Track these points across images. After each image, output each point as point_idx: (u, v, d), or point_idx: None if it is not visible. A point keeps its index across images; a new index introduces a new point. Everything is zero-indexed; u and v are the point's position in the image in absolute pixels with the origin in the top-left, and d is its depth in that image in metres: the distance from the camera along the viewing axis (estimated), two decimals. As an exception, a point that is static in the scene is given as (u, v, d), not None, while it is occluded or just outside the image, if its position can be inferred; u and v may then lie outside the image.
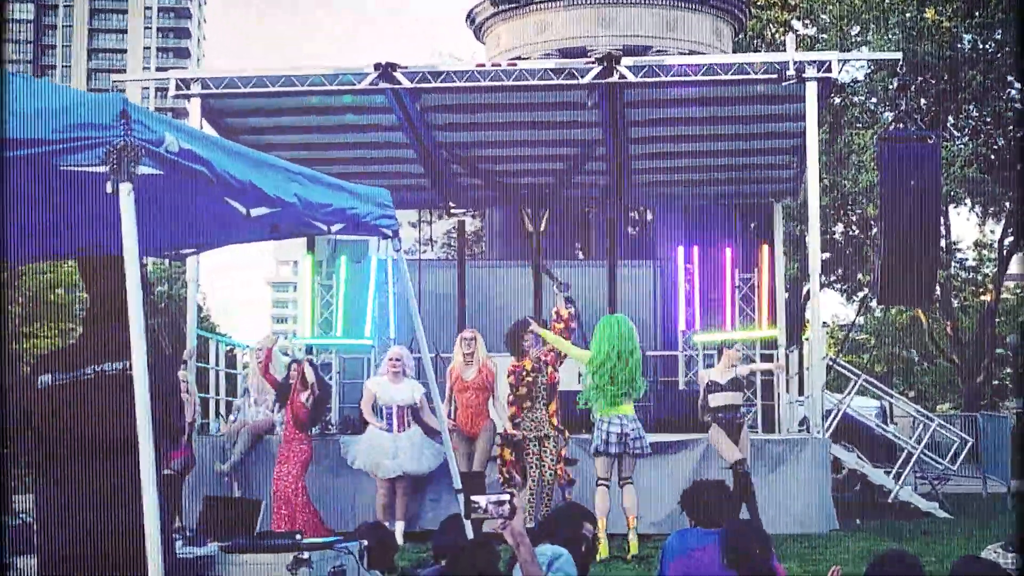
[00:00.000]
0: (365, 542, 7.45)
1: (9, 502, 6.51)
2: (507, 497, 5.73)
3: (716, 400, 14.20)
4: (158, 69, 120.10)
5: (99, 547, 5.89)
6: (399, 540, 13.46)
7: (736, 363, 14.36)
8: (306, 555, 6.56)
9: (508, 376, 13.64)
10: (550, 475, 13.38)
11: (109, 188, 5.48)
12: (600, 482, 13.09)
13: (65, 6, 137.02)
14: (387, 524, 13.91)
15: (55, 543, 6.08)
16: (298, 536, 7.46)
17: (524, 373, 13.47)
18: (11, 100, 5.60)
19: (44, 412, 6.24)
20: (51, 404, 6.20)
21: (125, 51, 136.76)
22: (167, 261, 45.72)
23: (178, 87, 18.26)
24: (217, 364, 19.48)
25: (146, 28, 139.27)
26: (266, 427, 15.89)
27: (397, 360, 14.37)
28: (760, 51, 37.35)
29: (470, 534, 8.00)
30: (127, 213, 5.50)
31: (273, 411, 15.70)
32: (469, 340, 14.20)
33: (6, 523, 6.92)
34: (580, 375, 15.34)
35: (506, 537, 5.81)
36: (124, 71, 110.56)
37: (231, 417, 17.03)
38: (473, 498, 5.76)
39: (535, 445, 13.35)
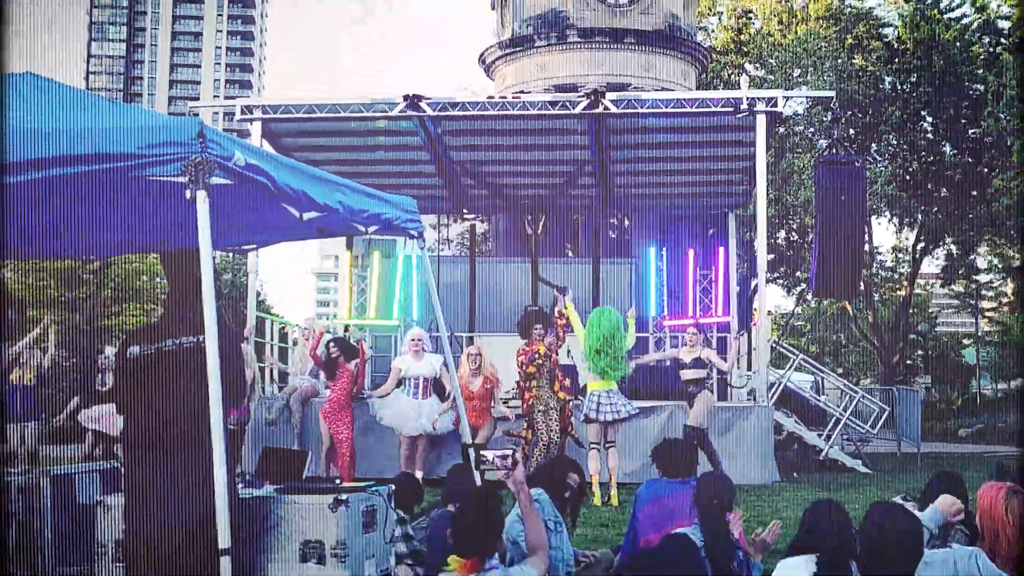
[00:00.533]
0: (393, 486, 7.44)
1: (108, 449, 6.56)
2: (510, 451, 5.72)
3: (685, 375, 14.19)
4: (226, 97, 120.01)
5: (177, 489, 5.89)
6: None
7: (696, 343, 14.25)
8: (344, 496, 6.54)
9: (519, 356, 13.48)
10: (557, 438, 13.30)
11: (188, 195, 5.48)
12: (592, 446, 13.17)
13: (152, 45, 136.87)
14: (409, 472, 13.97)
15: (139, 485, 6.09)
16: (337, 480, 7.46)
17: (537, 355, 13.32)
18: (106, 120, 5.59)
19: (133, 376, 6.27)
20: (139, 371, 6.23)
21: (199, 82, 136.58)
22: (231, 254, 45.76)
23: (243, 112, 18.26)
24: (272, 339, 19.47)
25: (216, 64, 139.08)
26: (312, 392, 15.95)
27: (418, 340, 14.33)
28: (719, 89, 37.30)
29: (477, 481, 7.96)
30: (203, 215, 5.50)
31: (317, 378, 15.78)
32: (475, 356, 14.10)
33: (100, 468, 6.91)
34: (568, 353, 15.38)
35: (509, 485, 5.80)
36: (198, 98, 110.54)
37: (284, 385, 17.10)
38: (482, 452, 5.76)
39: (542, 415, 13.28)
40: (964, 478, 6.63)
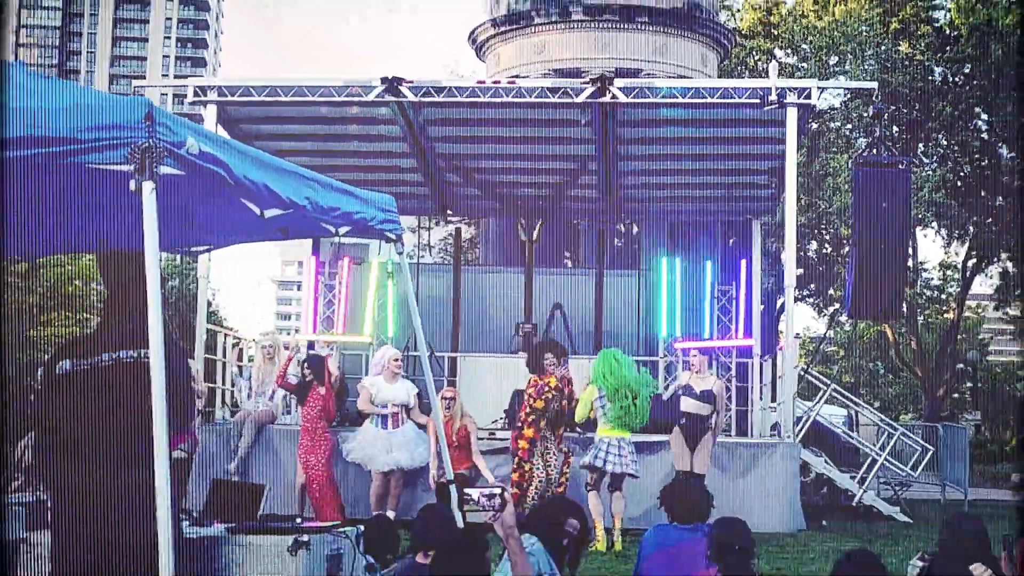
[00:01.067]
0: (363, 527, 7.43)
1: (27, 481, 6.49)
2: (498, 490, 5.70)
3: (685, 404, 14.23)
4: (176, 76, 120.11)
5: (112, 526, 5.87)
6: None
7: (703, 370, 14.36)
8: (305, 538, 6.54)
9: (528, 389, 13.55)
10: (556, 476, 13.39)
11: (133, 186, 5.47)
12: (589, 488, 13.27)
13: (91, 15, 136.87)
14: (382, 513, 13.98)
15: (69, 520, 6.05)
16: (298, 520, 7.45)
17: (547, 388, 13.37)
18: (38, 99, 5.58)
19: (63, 396, 6.22)
20: (70, 388, 6.19)
21: (145, 59, 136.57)
22: (178, 257, 45.67)
23: (196, 93, 18.23)
24: (224, 356, 19.44)
25: (165, 38, 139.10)
26: (268, 418, 15.94)
27: (398, 361, 14.36)
28: (744, 77, 37.40)
29: (459, 523, 7.93)
30: (149, 210, 5.48)
31: (272, 401, 15.74)
32: (448, 400, 14.16)
33: (24, 500, 6.89)
34: None
35: (496, 528, 5.78)
36: (144, 77, 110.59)
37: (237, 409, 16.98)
38: (466, 490, 5.74)
39: (540, 455, 13.36)
40: (1016, 530, 6.62)
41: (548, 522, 6.78)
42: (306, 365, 13.98)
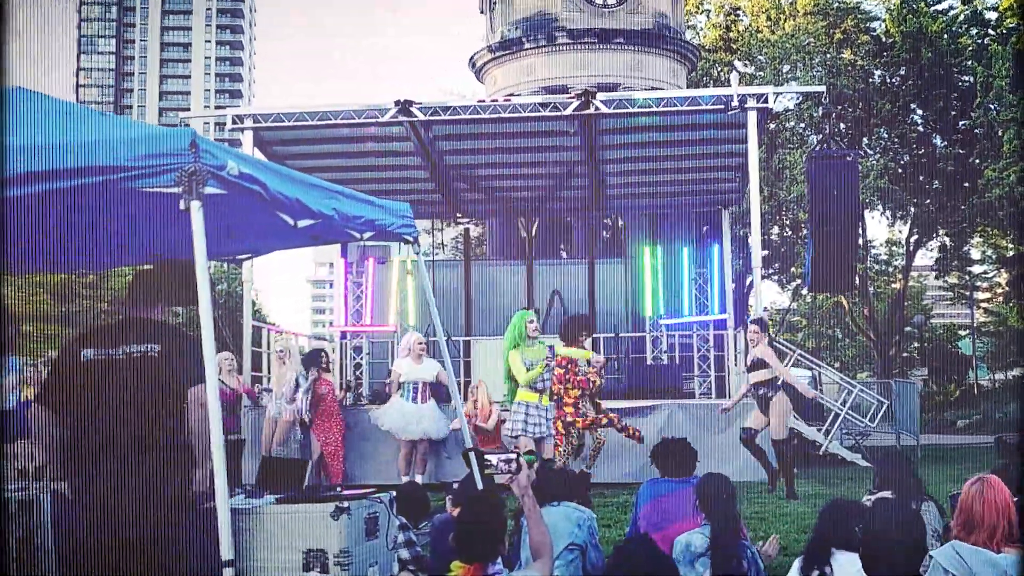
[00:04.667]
0: (394, 492, 7.42)
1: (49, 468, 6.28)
2: (514, 455, 5.69)
3: (751, 377, 13.46)
4: (216, 107, 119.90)
5: (125, 512, 5.75)
6: None
7: (759, 341, 13.28)
8: (345, 504, 6.52)
9: (556, 364, 12.37)
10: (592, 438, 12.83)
11: (182, 205, 5.46)
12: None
13: (141, 57, 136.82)
14: (406, 475, 14.03)
15: (91, 506, 5.87)
16: (339, 488, 7.43)
17: (577, 365, 12.44)
18: (98, 133, 5.57)
19: (84, 382, 6.02)
20: (89, 377, 6.00)
21: (189, 92, 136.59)
22: (225, 264, 45.72)
23: (234, 121, 18.20)
24: (268, 349, 19.43)
25: (205, 74, 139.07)
26: (292, 421, 14.87)
27: (422, 343, 14.34)
28: (708, 86, 37.34)
29: (479, 485, 7.94)
30: (197, 225, 5.48)
31: (292, 403, 14.66)
32: (473, 388, 14.12)
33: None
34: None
35: (513, 489, 5.77)
36: (188, 109, 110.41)
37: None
38: (486, 456, 5.73)
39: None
40: (963, 470, 6.66)
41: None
42: (302, 362, 14.05)
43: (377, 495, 7.05)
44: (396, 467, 14.52)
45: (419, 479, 14.09)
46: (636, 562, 5.23)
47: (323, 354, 14.43)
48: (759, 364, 13.25)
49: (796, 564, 5.66)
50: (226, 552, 5.38)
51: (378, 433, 14.73)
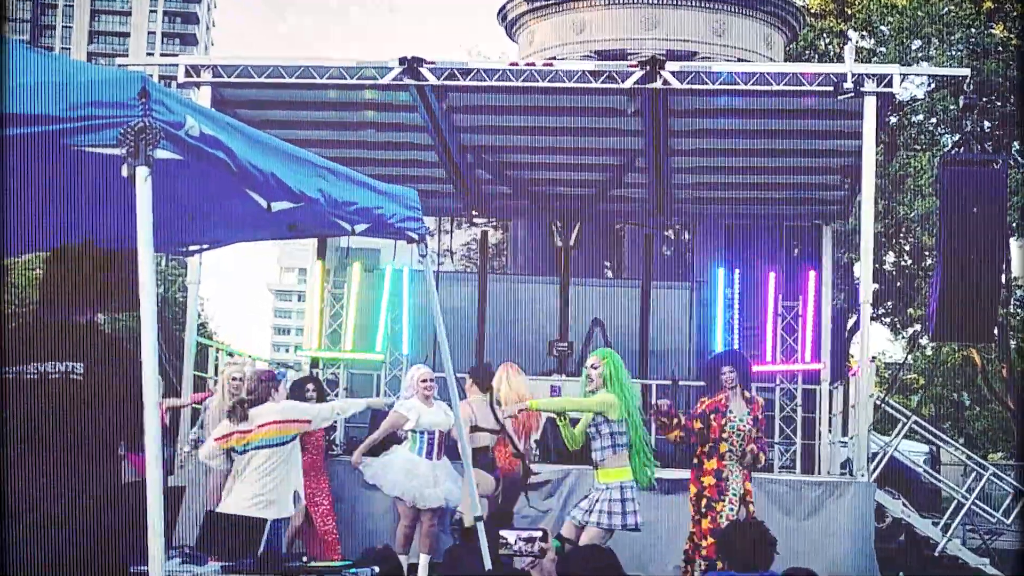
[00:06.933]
0: (376, 568, 7.43)
1: None
2: (538, 534, 5.70)
3: None
4: (163, 54, 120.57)
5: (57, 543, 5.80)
6: (424, 574, 13.50)
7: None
8: (315, 581, 6.55)
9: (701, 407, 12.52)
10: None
11: (125, 172, 5.46)
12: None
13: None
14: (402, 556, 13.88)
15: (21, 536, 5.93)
16: (305, 559, 7.46)
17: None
18: (18, 72, 5.59)
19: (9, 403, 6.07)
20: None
21: (128, 35, 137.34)
22: (163, 260, 45.80)
23: (187, 73, 18.18)
24: (216, 374, 19.45)
25: (151, 11, 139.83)
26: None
27: (431, 382, 13.98)
28: (813, 61, 37.36)
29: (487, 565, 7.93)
30: (143, 199, 5.47)
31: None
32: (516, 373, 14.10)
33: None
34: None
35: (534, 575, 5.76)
36: (127, 55, 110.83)
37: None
38: (502, 533, 5.74)
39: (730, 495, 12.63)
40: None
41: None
42: (311, 386, 13.93)
43: (354, 570, 7.08)
44: (391, 540, 14.24)
45: (423, 561, 13.87)
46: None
47: (309, 385, 14.10)
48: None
49: None
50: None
51: (356, 491, 14.73)
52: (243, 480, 9.79)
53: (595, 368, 11.58)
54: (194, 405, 16.70)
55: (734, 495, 12.19)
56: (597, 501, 11.45)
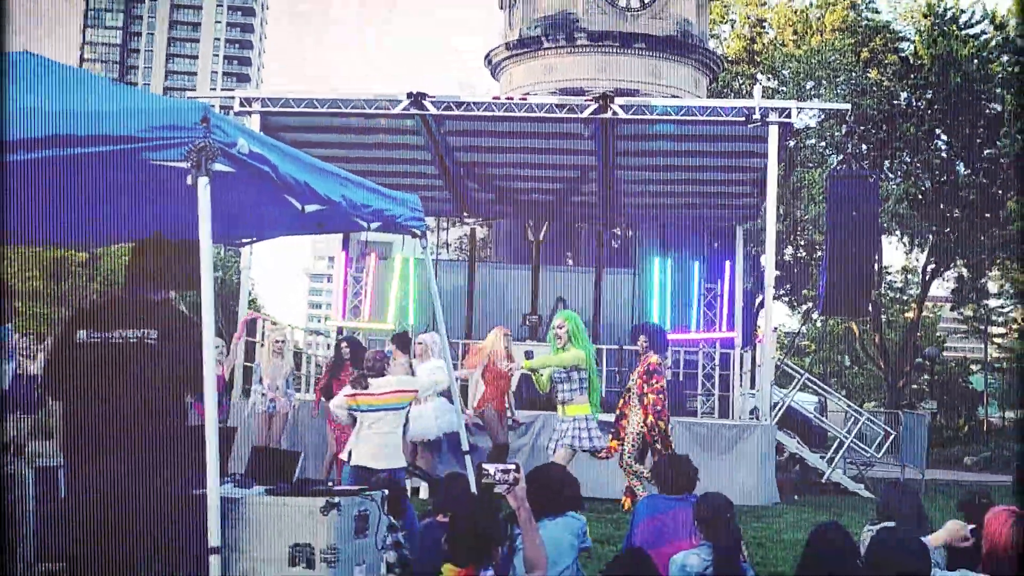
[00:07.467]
0: (386, 491, 7.41)
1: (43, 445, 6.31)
2: (512, 467, 5.67)
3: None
4: (223, 89, 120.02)
5: (115, 495, 5.73)
6: (424, 495, 13.51)
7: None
8: (336, 500, 6.51)
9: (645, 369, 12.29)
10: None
11: (189, 181, 5.46)
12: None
13: (148, 34, 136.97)
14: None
15: (84, 485, 5.88)
16: (330, 483, 7.42)
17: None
18: (108, 102, 5.57)
19: (79, 364, 6.04)
20: (84, 358, 6.02)
21: (195, 73, 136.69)
22: (222, 250, 45.74)
23: (241, 104, 18.19)
24: (262, 339, 19.37)
25: (214, 55, 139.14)
26: (284, 421, 14.70)
27: (418, 344, 14.00)
28: (730, 98, 37.35)
29: (474, 488, 7.90)
30: (203, 202, 5.49)
31: (288, 394, 14.62)
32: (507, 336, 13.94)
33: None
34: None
35: (510, 500, 5.74)
36: (194, 90, 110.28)
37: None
38: (483, 465, 5.71)
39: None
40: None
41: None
42: (345, 344, 13.85)
43: (369, 493, 7.05)
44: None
45: (424, 485, 13.83)
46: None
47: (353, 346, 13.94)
48: None
49: None
50: (213, 539, 5.38)
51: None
52: (364, 439, 9.81)
53: (561, 327, 11.63)
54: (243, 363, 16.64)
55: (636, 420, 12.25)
56: (568, 429, 11.60)
